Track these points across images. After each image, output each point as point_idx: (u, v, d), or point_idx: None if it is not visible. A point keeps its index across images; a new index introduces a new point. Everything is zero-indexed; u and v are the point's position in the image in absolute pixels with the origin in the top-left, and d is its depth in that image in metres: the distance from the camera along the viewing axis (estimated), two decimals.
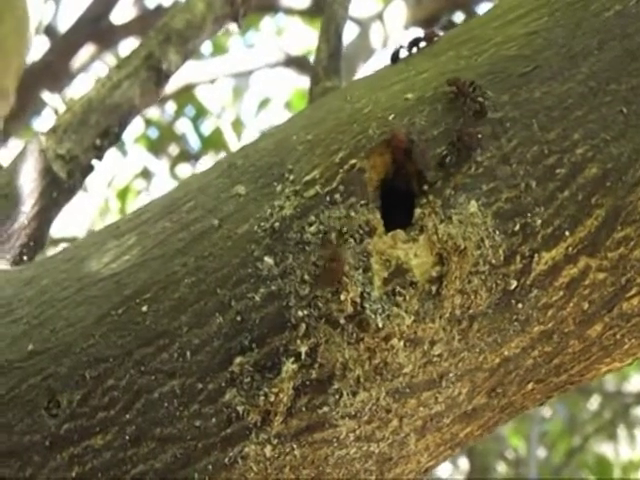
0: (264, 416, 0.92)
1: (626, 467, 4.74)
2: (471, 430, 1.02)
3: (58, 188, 1.23)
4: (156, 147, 4.47)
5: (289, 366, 0.92)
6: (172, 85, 3.50)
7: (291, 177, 0.99)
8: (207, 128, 4.64)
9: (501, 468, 4.69)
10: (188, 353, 0.93)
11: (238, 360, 0.93)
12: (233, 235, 0.97)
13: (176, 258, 0.98)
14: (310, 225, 0.95)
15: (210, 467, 0.92)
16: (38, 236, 1.19)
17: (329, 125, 1.02)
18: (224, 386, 0.93)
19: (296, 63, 4.07)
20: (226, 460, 0.92)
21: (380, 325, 0.93)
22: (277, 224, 0.96)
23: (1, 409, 0.93)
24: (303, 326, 0.93)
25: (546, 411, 4.71)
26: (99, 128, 1.28)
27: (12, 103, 1.82)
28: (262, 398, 0.92)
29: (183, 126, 4.75)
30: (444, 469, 4.91)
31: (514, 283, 0.95)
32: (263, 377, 0.92)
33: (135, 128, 5.18)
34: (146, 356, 0.93)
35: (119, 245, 1.01)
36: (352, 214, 0.95)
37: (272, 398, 0.92)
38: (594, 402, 4.74)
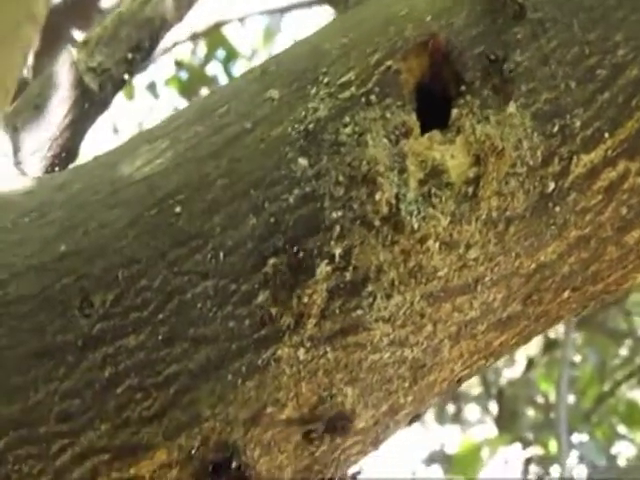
0: (297, 318, 0.92)
1: None
2: (506, 339, 1.01)
3: (90, 100, 1.22)
4: (187, 90, 4.45)
5: (323, 268, 0.91)
6: (202, 23, 3.48)
7: (325, 80, 0.97)
8: (238, 70, 4.62)
9: (530, 413, 4.69)
10: (221, 254, 0.92)
11: (272, 262, 0.92)
12: (266, 138, 0.96)
13: (209, 161, 0.96)
14: (345, 126, 0.94)
15: (243, 369, 0.91)
16: (70, 147, 1.18)
17: (365, 28, 1.00)
18: (257, 288, 0.92)
19: (330, 1, 4.01)
20: (259, 362, 0.92)
21: (415, 227, 0.91)
22: (311, 126, 0.94)
23: (34, 309, 0.93)
24: (337, 228, 0.92)
25: (576, 357, 4.69)
26: (130, 42, 1.27)
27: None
28: (295, 300, 0.91)
29: (214, 69, 4.72)
30: (473, 412, 4.92)
31: (552, 185, 0.94)
32: (296, 279, 0.92)
33: (166, 70, 5.17)
34: (179, 257, 0.93)
35: (152, 149, 1.00)
36: (388, 115, 0.93)
37: (306, 300, 0.91)
38: (625, 348, 4.71)
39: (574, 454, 4.28)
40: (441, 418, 4.83)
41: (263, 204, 0.93)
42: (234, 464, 0.92)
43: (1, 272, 0.95)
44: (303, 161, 0.94)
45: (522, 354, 4.59)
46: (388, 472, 4.28)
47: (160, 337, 0.91)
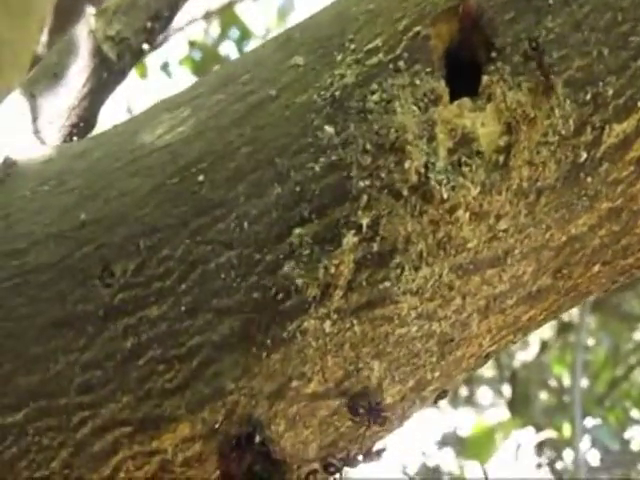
0: (324, 290, 0.89)
1: None
2: (534, 314, 0.98)
3: (108, 69, 1.19)
4: (200, 69, 4.42)
5: (350, 238, 0.89)
6: (216, 1, 3.45)
7: (352, 46, 0.94)
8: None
9: (543, 396, 4.67)
10: (245, 224, 0.90)
11: (297, 231, 0.90)
12: (291, 105, 0.93)
13: (232, 129, 0.94)
14: (372, 93, 0.91)
15: (268, 341, 0.89)
16: (88, 117, 1.16)
17: None
18: (282, 258, 0.90)
19: None
20: (285, 334, 0.89)
21: (445, 196, 0.89)
22: (338, 93, 0.92)
23: (53, 278, 0.91)
24: (365, 197, 0.89)
25: (590, 340, 4.66)
26: (149, 11, 1.24)
27: None
28: (322, 271, 0.89)
29: (227, 48, 4.69)
30: (485, 395, 4.90)
31: (584, 155, 0.91)
32: (323, 249, 0.89)
33: (179, 50, 5.14)
34: (202, 226, 0.91)
35: (173, 118, 0.98)
36: (416, 82, 0.91)
37: (332, 271, 0.89)
38: (639, 333, 4.69)
39: (587, 438, 4.27)
40: (454, 401, 4.81)
41: (288, 172, 0.91)
42: (258, 439, 0.90)
43: (20, 241, 0.94)
44: (329, 129, 0.91)
45: (536, 337, 4.57)
46: (400, 454, 4.27)
47: (183, 308, 0.89)
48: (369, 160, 0.90)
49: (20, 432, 0.89)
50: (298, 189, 0.90)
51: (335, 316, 0.90)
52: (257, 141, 0.93)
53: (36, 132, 1.11)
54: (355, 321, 0.90)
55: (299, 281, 0.89)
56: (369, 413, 0.93)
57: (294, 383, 0.90)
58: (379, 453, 1.02)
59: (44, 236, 0.93)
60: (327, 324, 0.90)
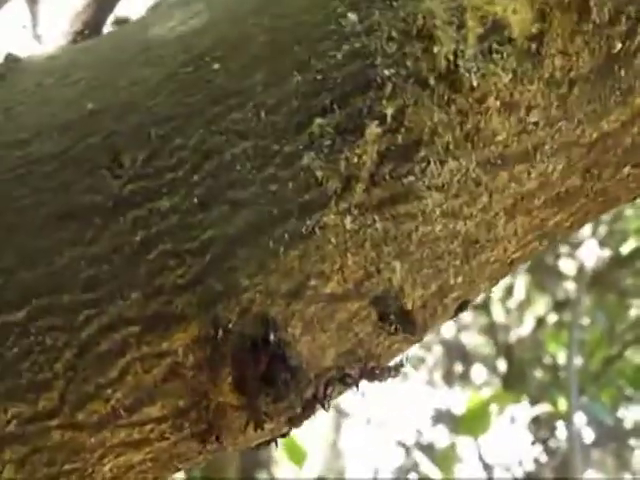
0: (345, 183, 0.85)
1: None
2: (561, 218, 0.94)
3: None
4: None
5: (373, 129, 0.84)
6: None
7: None
8: None
9: (538, 373, 4.64)
10: (263, 113, 0.85)
11: (318, 121, 0.85)
12: None
13: (250, 18, 0.89)
14: None
15: (286, 236, 0.84)
16: (94, 25, 1.11)
17: None
18: (302, 149, 0.85)
19: None
20: (303, 229, 0.85)
21: (475, 84, 0.84)
22: None
23: (59, 168, 0.86)
24: (389, 86, 0.85)
25: (585, 319, 4.64)
26: None
27: None
28: (343, 163, 0.84)
29: None
30: (479, 373, 4.87)
31: (618, 46, 0.87)
32: (344, 140, 0.85)
33: None
34: (217, 115, 0.86)
35: (186, 11, 0.93)
36: None
37: (354, 163, 0.84)
38: (634, 309, 4.67)
39: (581, 416, 4.24)
40: (448, 379, 4.78)
41: (309, 60, 0.86)
42: (274, 339, 0.85)
43: (23, 132, 0.88)
44: (352, 16, 0.86)
45: (530, 315, 4.54)
46: (395, 431, 4.24)
47: (196, 200, 0.84)
48: (394, 47, 0.85)
49: (22, 331, 0.84)
50: (319, 77, 0.86)
51: (356, 211, 0.85)
52: (276, 29, 0.88)
53: (36, 37, 1.06)
54: (377, 217, 0.86)
55: (319, 173, 0.84)
56: (398, 318, 0.89)
57: (312, 282, 0.85)
58: (397, 368, 0.97)
59: (48, 127, 0.88)
60: (348, 220, 0.85)
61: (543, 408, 4.31)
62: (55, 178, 0.86)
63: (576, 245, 4.27)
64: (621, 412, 4.54)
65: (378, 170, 0.85)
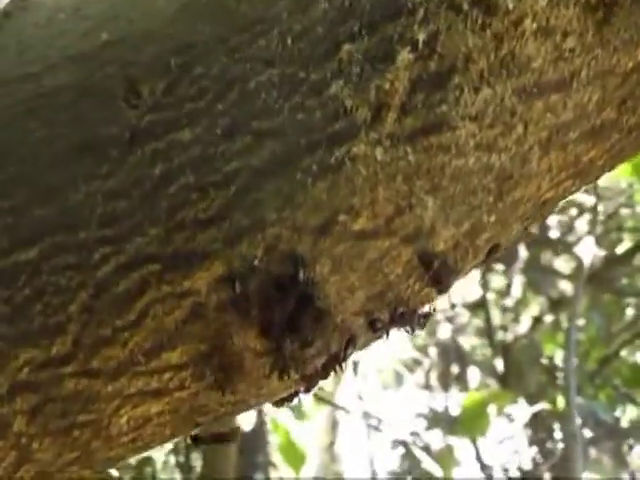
0: (375, 112, 0.81)
1: None
2: (595, 154, 0.90)
3: None
4: None
5: (405, 55, 0.80)
6: None
7: None
8: None
9: (535, 373, 4.60)
10: (289, 40, 0.81)
11: (346, 48, 0.81)
12: None
13: None
14: None
15: (314, 167, 0.80)
16: None
17: None
18: (330, 77, 0.81)
19: None
20: (332, 160, 0.80)
21: (510, 7, 0.81)
22: None
23: (72, 100, 0.82)
24: (421, 11, 0.81)
25: (580, 320, 4.60)
26: None
27: None
28: (373, 91, 0.80)
29: None
30: (476, 375, 4.83)
31: None
32: (375, 67, 0.81)
33: None
34: (241, 43, 0.81)
35: None
36: None
37: (385, 90, 0.80)
38: (631, 308, 4.64)
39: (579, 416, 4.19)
40: (444, 381, 4.74)
41: None
42: (302, 276, 0.80)
43: (34, 65, 0.84)
44: None
45: (527, 315, 4.51)
46: (391, 432, 4.19)
47: (219, 130, 0.80)
48: None
49: (34, 271, 0.80)
50: (347, 3, 0.82)
51: (387, 142, 0.81)
52: None
53: None
54: (409, 149, 0.81)
55: (348, 102, 0.80)
56: (428, 259, 0.85)
57: (341, 217, 0.81)
58: (427, 316, 0.93)
59: (61, 59, 0.84)
60: (379, 151, 0.81)
61: (542, 406, 4.27)
62: (69, 110, 0.81)
63: (571, 245, 4.24)
64: (618, 412, 4.51)
65: (410, 99, 0.81)
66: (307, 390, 0.93)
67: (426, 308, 0.92)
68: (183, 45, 0.82)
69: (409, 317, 0.89)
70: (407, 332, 0.92)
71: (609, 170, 0.95)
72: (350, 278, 0.83)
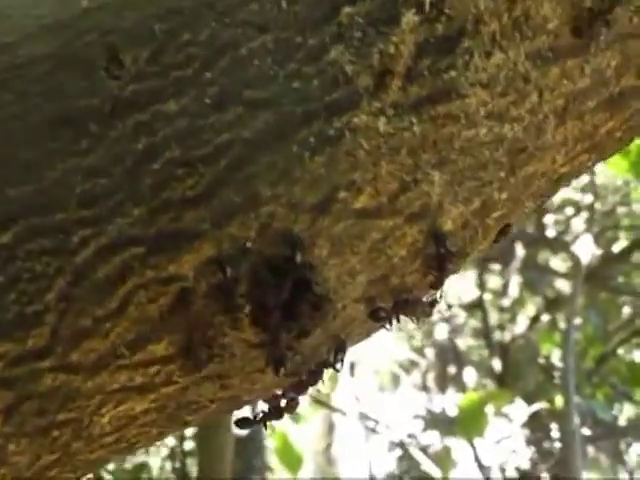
0: (378, 79, 0.74)
1: None
2: (613, 126, 0.84)
3: None
4: None
5: (410, 18, 0.74)
6: None
7: None
8: None
9: (533, 372, 4.55)
10: (284, 3, 0.75)
11: (347, 10, 0.74)
12: None
13: None
14: None
15: (312, 139, 0.74)
16: None
17: None
18: (329, 42, 0.74)
19: None
20: (331, 132, 0.74)
21: None
22: None
23: (49, 71, 0.75)
24: None
25: (577, 320, 4.55)
26: None
27: None
28: (376, 57, 0.74)
29: None
30: (473, 376, 4.78)
31: None
32: (377, 31, 0.74)
33: None
34: (231, 6, 0.75)
35: None
36: None
37: (389, 55, 0.73)
38: (628, 306, 4.59)
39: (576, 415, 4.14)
40: (441, 382, 4.68)
41: None
42: (299, 259, 0.74)
43: (9, 36, 0.77)
44: None
45: (523, 315, 4.45)
46: (388, 434, 4.13)
47: (208, 100, 0.73)
48: None
49: (8, 257, 0.73)
50: None
51: (391, 112, 0.74)
52: None
53: None
54: (414, 119, 0.75)
55: (349, 68, 0.74)
56: (435, 240, 0.78)
57: (341, 194, 0.75)
58: (432, 304, 0.86)
59: (38, 28, 0.77)
60: (382, 121, 0.74)
61: (539, 407, 4.22)
62: (45, 82, 0.75)
63: (568, 244, 4.19)
64: (615, 410, 4.46)
65: (415, 64, 0.74)
66: (298, 394, 0.87)
67: (432, 294, 0.85)
68: (169, 10, 0.75)
69: (414, 304, 0.83)
70: (412, 321, 0.86)
71: (627, 142, 0.88)
72: (351, 261, 0.77)
